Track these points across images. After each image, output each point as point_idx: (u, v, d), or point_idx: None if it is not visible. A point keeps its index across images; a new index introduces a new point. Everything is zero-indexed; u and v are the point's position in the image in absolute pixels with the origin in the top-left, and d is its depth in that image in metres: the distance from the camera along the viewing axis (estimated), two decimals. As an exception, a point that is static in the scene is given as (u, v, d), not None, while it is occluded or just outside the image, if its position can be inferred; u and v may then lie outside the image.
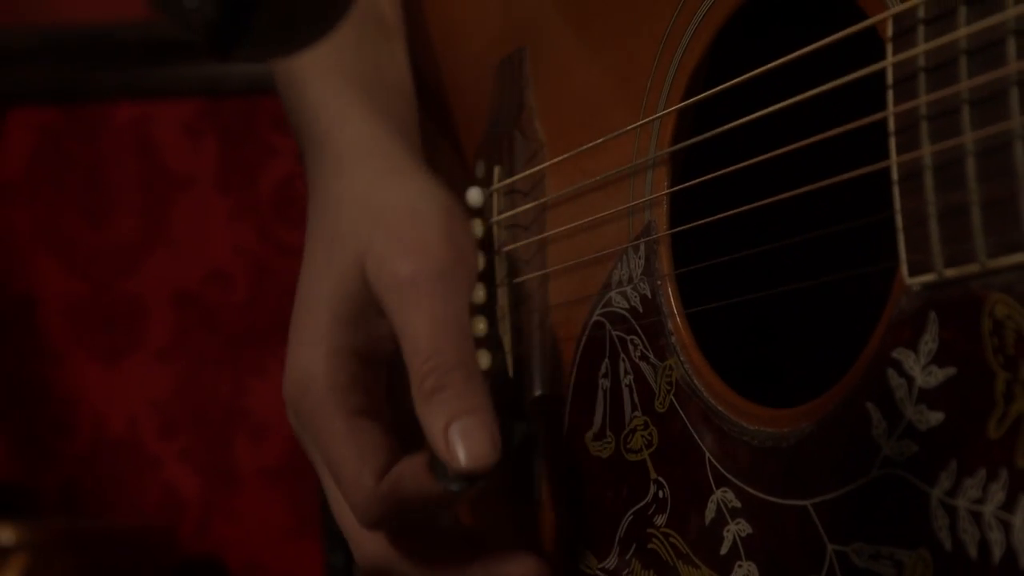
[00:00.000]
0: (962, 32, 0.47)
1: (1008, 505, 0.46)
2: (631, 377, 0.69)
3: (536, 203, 0.78)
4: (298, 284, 0.76)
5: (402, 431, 0.75)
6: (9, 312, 2.22)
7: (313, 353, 0.73)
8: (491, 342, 0.82)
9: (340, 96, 0.79)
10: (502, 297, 0.82)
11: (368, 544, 0.74)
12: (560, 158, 0.76)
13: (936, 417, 0.50)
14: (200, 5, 0.38)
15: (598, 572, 0.71)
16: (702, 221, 0.65)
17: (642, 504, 0.68)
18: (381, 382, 0.75)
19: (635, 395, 0.68)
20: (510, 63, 0.81)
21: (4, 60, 2.18)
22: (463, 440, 0.66)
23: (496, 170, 0.82)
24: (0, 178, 2.22)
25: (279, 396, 2.32)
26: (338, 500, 0.75)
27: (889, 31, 0.52)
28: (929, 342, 0.50)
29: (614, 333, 0.70)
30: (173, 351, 2.16)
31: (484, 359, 0.82)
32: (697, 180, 0.65)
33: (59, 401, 2.20)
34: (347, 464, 0.71)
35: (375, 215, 0.72)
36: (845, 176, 0.54)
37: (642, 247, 0.68)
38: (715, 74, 0.66)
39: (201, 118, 2.15)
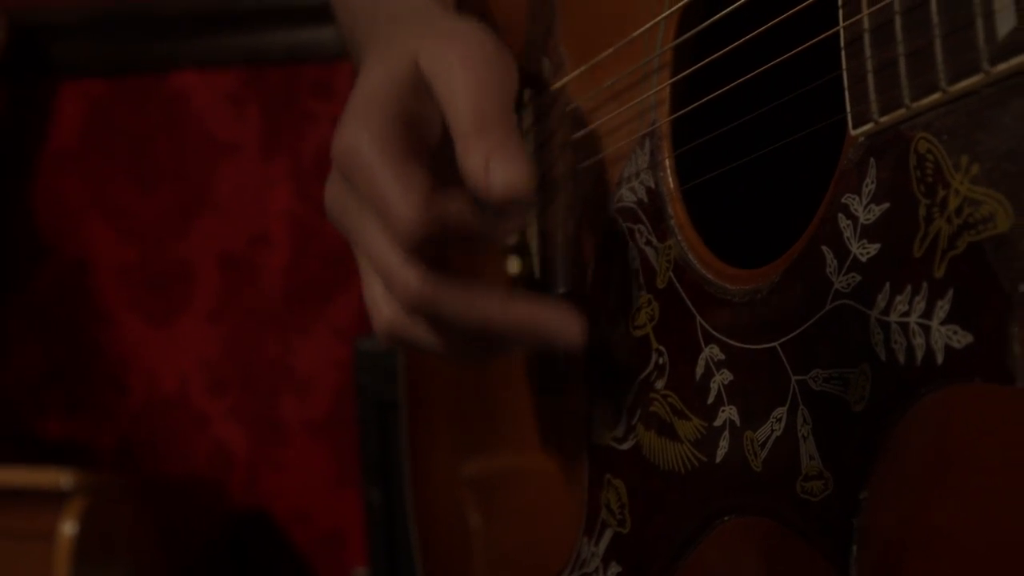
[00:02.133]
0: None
1: (928, 312, 0.53)
2: (638, 261, 0.77)
3: (559, 114, 0.86)
4: (353, 88, 0.80)
5: None
6: (64, 277, 2.31)
7: (366, 116, 0.76)
8: (520, 248, 0.90)
9: None
10: None
11: (413, 276, 0.75)
12: (579, 71, 0.83)
13: (875, 247, 0.57)
14: None
15: (610, 442, 0.79)
16: (693, 106, 0.73)
17: (646, 373, 0.75)
18: (427, 154, 0.79)
19: (640, 277, 0.76)
20: None
21: (55, 35, 2.27)
22: (501, 170, 0.71)
23: (526, 93, 0.90)
24: (53, 148, 2.31)
25: (322, 353, 2.40)
26: (382, 244, 0.76)
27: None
28: (870, 184, 0.58)
29: (625, 226, 0.78)
30: (220, 312, 2.25)
31: (514, 264, 0.90)
32: (689, 70, 0.73)
33: (112, 362, 2.29)
34: (395, 190, 0.74)
35: (428, 34, 0.78)
36: (807, 44, 0.62)
37: (647, 142, 0.76)
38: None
39: (244, 87, 2.23)
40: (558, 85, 0.86)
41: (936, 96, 0.53)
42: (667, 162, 0.75)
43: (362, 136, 0.75)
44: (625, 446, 0.77)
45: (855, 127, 0.58)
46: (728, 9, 0.68)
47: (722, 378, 0.68)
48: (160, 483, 2.18)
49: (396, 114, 0.76)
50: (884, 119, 0.56)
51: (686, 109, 0.74)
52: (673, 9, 0.74)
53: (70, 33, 2.26)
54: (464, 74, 0.74)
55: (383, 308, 0.78)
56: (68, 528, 1.82)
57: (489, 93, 0.74)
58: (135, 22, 2.25)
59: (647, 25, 0.76)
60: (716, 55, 0.70)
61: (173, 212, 2.27)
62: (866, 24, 0.57)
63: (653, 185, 0.76)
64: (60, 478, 1.83)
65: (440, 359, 0.83)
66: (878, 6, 0.56)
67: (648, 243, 0.76)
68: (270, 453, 2.21)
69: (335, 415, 2.17)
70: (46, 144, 2.32)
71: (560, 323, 0.76)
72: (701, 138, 0.74)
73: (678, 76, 0.75)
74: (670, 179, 0.75)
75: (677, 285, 0.73)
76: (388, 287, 0.77)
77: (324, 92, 2.19)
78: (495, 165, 0.71)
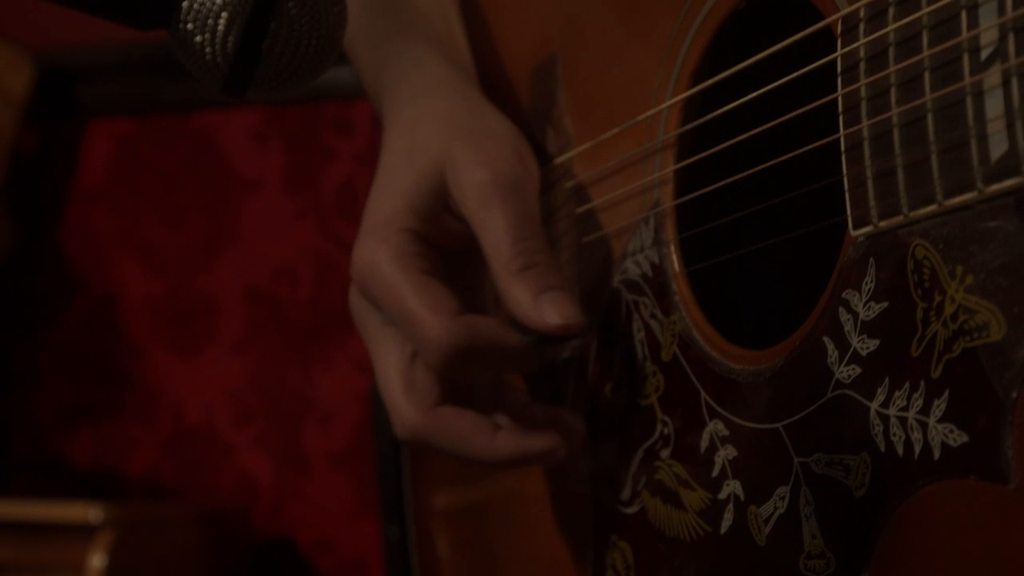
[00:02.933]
0: (891, 27, 0.58)
1: (925, 409, 0.57)
2: (643, 333, 0.80)
3: (564, 188, 0.89)
4: (372, 186, 0.81)
5: None
6: (93, 310, 2.35)
7: (384, 232, 0.77)
8: None
9: (415, 46, 0.88)
10: None
11: (410, 412, 0.77)
12: (583, 147, 0.87)
13: (874, 343, 0.60)
14: (215, 56, 0.50)
15: (616, 505, 0.82)
16: (699, 192, 0.76)
17: (651, 441, 0.78)
18: (445, 271, 0.79)
19: (646, 348, 0.79)
20: (545, 66, 0.92)
21: (82, 76, 2.31)
22: (553, 305, 0.73)
23: None
24: (82, 186, 2.36)
25: (344, 385, 2.43)
26: (388, 373, 0.78)
27: (838, 29, 0.62)
28: (869, 282, 0.61)
29: (629, 297, 0.81)
30: (245, 344, 2.28)
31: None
32: (693, 158, 0.76)
33: (141, 393, 2.33)
34: (421, 309, 0.74)
35: (453, 128, 0.79)
36: (806, 148, 0.65)
37: (652, 219, 0.79)
38: (715, 72, 0.76)
39: (267, 125, 2.27)
40: (564, 159, 0.89)
41: (932, 207, 0.56)
42: (671, 240, 0.78)
43: (381, 254, 0.76)
44: (631, 510, 0.80)
45: (855, 228, 0.61)
46: (732, 105, 0.71)
47: (726, 453, 0.71)
48: (187, 513, 2.22)
49: (416, 231, 0.77)
50: (883, 224, 0.59)
51: (690, 196, 0.77)
52: (676, 100, 0.78)
53: (97, 74, 2.30)
54: (499, 208, 0.75)
55: (398, 429, 0.80)
56: (97, 561, 1.85)
57: (525, 221, 0.75)
58: (160, 62, 2.28)
59: (651, 112, 0.79)
60: (718, 147, 0.73)
61: (199, 247, 2.31)
62: (866, 133, 0.60)
63: (657, 261, 0.79)
64: (89, 512, 1.86)
65: None
66: (877, 118, 0.59)
67: (653, 316, 0.79)
68: (294, 483, 2.25)
69: (357, 446, 2.21)
70: (75, 182, 2.36)
71: (546, 451, 0.79)
72: (705, 217, 0.77)
73: (682, 163, 0.78)
74: (674, 257, 0.78)
75: (682, 360, 0.76)
76: (389, 413, 0.79)
77: (345, 129, 2.23)
78: (547, 302, 0.73)
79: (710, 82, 0.75)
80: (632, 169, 0.82)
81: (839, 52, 0.62)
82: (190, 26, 0.51)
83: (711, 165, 0.75)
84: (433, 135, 0.79)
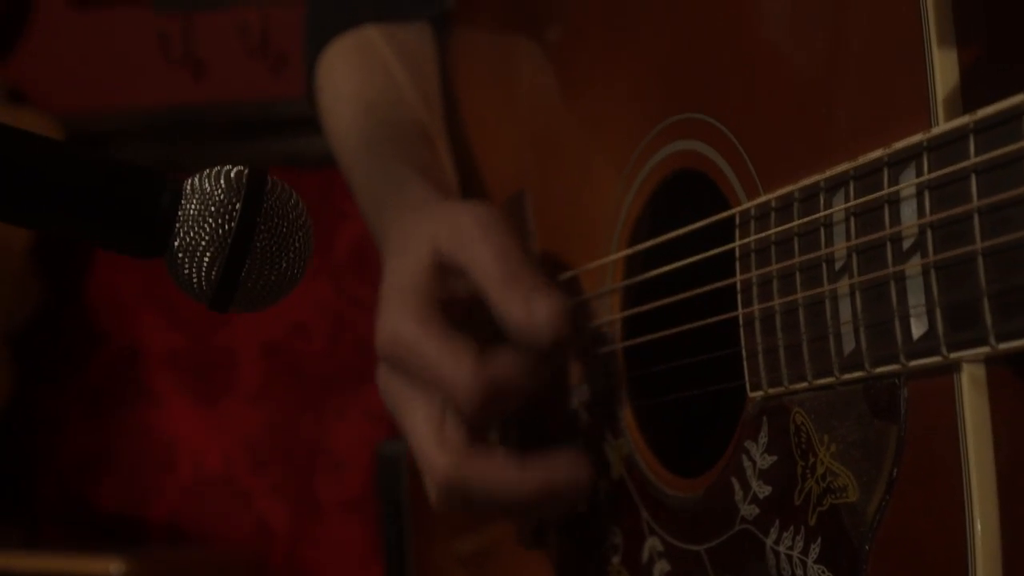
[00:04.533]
0: (772, 230, 0.70)
1: (805, 551, 0.68)
2: (597, 452, 0.91)
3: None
4: (381, 283, 0.91)
5: None
6: (117, 362, 2.48)
7: (402, 304, 0.86)
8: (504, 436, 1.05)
9: (403, 172, 0.99)
10: None
11: (445, 462, 0.84)
12: (559, 278, 0.98)
13: (768, 489, 0.72)
14: (201, 284, 0.63)
15: None
16: (637, 340, 0.87)
17: (606, 547, 0.90)
18: (462, 326, 0.87)
19: (600, 466, 0.91)
20: (515, 200, 1.04)
21: (108, 139, 2.44)
22: (543, 305, 0.82)
23: None
24: (107, 245, 2.49)
25: (357, 435, 2.55)
26: (420, 432, 0.85)
27: (737, 220, 0.74)
28: (763, 437, 0.72)
29: (587, 418, 0.93)
30: (262, 396, 2.41)
31: (494, 439, 1.04)
32: (632, 311, 0.88)
33: (162, 441, 2.45)
34: (447, 360, 0.82)
35: (439, 218, 0.90)
36: (711, 320, 0.76)
37: (602, 354, 0.91)
38: (652, 226, 0.87)
39: (282, 189, 2.39)
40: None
41: (804, 384, 0.68)
42: (619, 374, 0.89)
43: (403, 320, 0.85)
44: None
45: (751, 391, 0.73)
46: (661, 270, 0.83)
47: (662, 567, 0.83)
48: (206, 560, 2.33)
49: (428, 295, 0.87)
50: (771, 391, 0.71)
51: (631, 342, 0.88)
52: (614, 257, 0.89)
53: (122, 137, 2.43)
54: (483, 238, 0.85)
55: (432, 493, 0.88)
56: (121, 610, 1.97)
57: (508, 251, 0.85)
58: (182, 128, 2.41)
59: (594, 264, 0.90)
60: (653, 305, 0.84)
61: (217, 303, 2.43)
62: (756, 314, 0.72)
63: (608, 390, 0.90)
64: (110, 565, 1.97)
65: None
66: (764, 304, 0.71)
67: (604, 439, 0.90)
68: (308, 528, 2.37)
69: (368, 493, 2.32)
70: (100, 241, 2.49)
71: (569, 480, 0.86)
72: (647, 354, 0.89)
73: (624, 313, 0.89)
74: (622, 389, 0.89)
75: (627, 479, 0.87)
76: (423, 471, 0.87)
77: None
78: (535, 303, 0.82)
79: (635, 248, 0.86)
80: (593, 304, 0.93)
81: (736, 243, 0.73)
82: (179, 260, 0.63)
83: (653, 311, 0.86)
84: (423, 226, 0.91)
